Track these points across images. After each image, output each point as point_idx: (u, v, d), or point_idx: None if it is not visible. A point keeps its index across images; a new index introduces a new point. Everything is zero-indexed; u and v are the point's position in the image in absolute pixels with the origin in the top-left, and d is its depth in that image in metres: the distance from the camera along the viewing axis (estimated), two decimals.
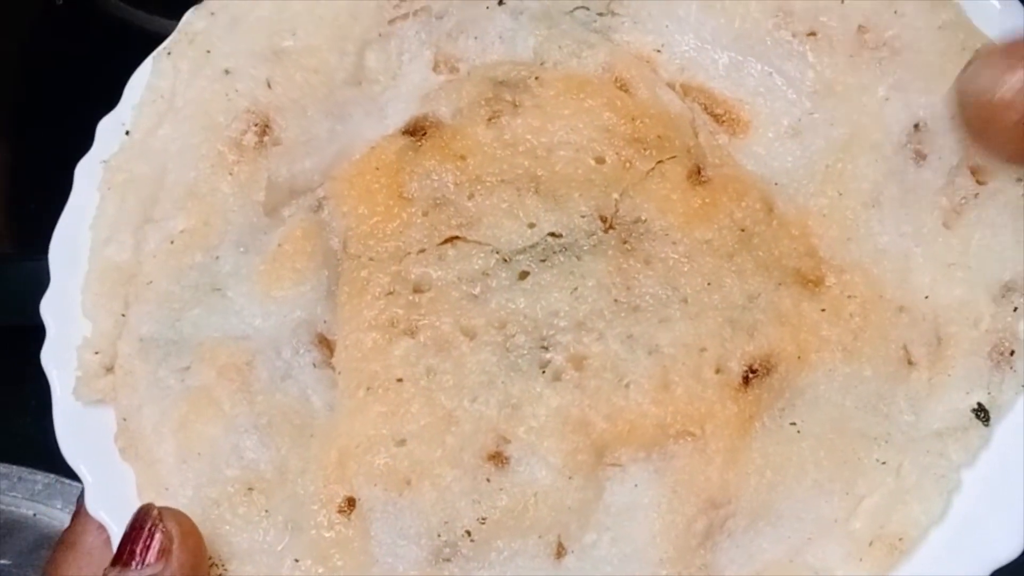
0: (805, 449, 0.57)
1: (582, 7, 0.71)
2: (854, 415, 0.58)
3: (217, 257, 0.65)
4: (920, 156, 0.63)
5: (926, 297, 0.60)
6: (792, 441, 0.57)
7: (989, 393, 0.58)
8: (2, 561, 0.93)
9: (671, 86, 0.68)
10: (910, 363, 0.59)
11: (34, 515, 0.94)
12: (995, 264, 0.60)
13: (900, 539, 0.55)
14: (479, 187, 0.65)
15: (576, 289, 0.61)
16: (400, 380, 0.60)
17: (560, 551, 0.57)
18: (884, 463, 0.57)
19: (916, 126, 0.64)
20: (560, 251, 0.62)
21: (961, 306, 0.60)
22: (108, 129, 0.69)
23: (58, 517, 0.93)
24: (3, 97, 0.84)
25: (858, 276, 0.61)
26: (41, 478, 0.94)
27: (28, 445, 0.91)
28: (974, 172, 0.62)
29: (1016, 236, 0.60)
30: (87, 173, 0.68)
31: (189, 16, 0.72)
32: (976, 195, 0.61)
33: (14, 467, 0.95)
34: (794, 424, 0.58)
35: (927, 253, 0.61)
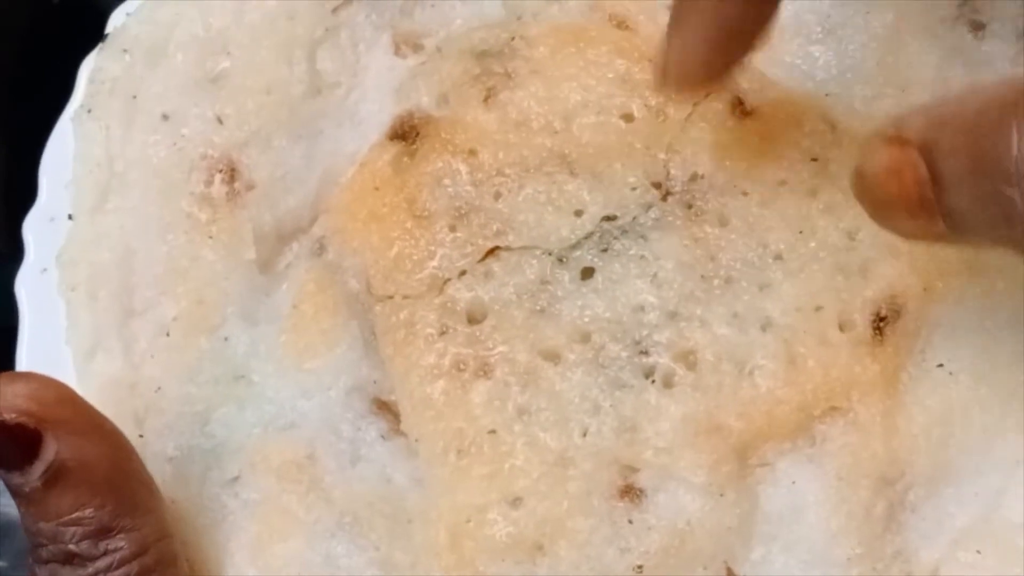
0: (963, 391, 0.51)
1: None
2: (999, 337, 0.52)
3: (226, 338, 0.55)
4: (977, 27, 0.56)
5: None
6: (946, 385, 0.51)
7: None
8: None
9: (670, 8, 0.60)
10: None
11: None
12: None
13: None
14: (503, 182, 0.56)
15: (655, 275, 0.53)
16: (493, 432, 0.52)
17: None
18: None
19: None
20: (621, 235, 0.54)
21: None
22: (36, 228, 0.59)
23: None
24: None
25: None
26: None
27: None
28: None
29: None
30: (30, 286, 0.58)
31: (97, 61, 0.60)
32: None
33: None
34: (942, 365, 0.51)
35: None
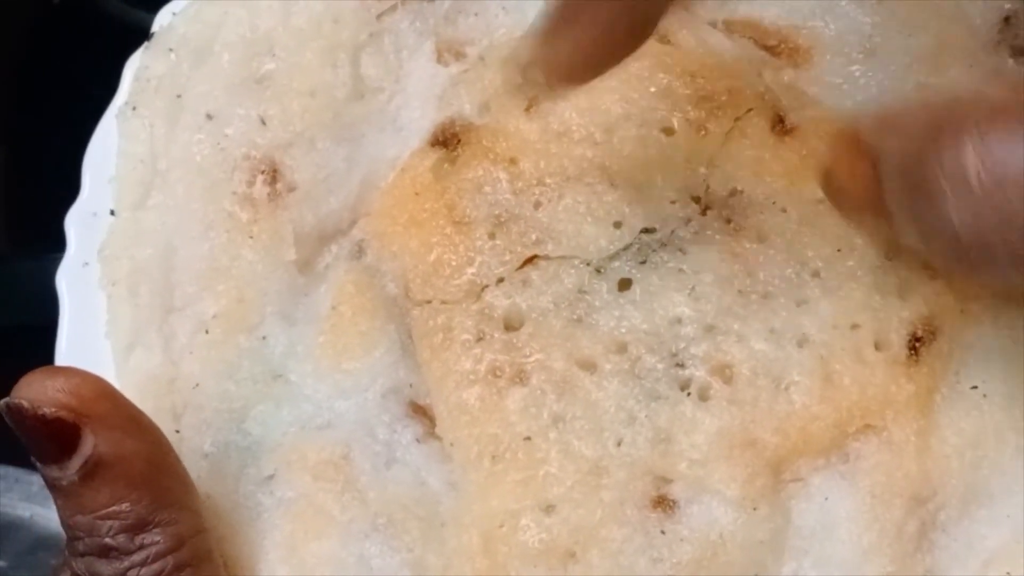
0: (997, 412, 0.51)
1: None
2: None
3: (264, 337, 0.56)
4: (1018, 52, 0.57)
5: None
6: (980, 407, 0.51)
7: None
8: None
9: (713, 25, 0.60)
10: None
11: (30, 516, 0.89)
12: None
13: None
14: (544, 192, 0.56)
15: (693, 288, 0.54)
16: (528, 438, 0.52)
17: None
18: None
19: (1006, 20, 0.57)
20: (659, 248, 0.55)
21: None
22: (79, 222, 0.59)
23: (54, 519, 0.87)
24: (1, 97, 0.81)
25: None
26: (37, 479, 0.86)
27: None
28: None
29: None
30: (71, 279, 0.58)
31: (143, 59, 0.61)
32: None
33: (10, 468, 0.90)
34: (976, 387, 0.51)
35: None
